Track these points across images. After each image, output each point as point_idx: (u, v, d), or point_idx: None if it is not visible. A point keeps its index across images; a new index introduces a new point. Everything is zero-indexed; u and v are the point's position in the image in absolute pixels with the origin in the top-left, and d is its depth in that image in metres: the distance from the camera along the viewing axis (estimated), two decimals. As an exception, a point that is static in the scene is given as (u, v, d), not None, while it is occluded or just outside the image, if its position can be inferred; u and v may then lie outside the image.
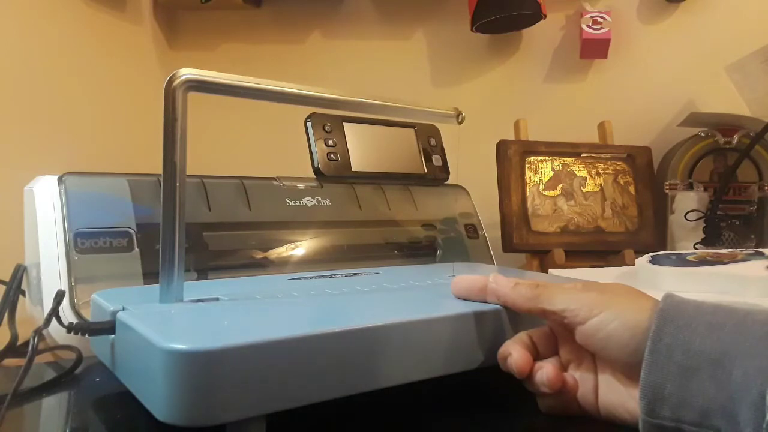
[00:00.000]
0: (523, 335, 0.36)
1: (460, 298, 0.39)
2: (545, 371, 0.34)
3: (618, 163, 0.87)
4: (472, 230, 0.74)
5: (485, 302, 0.38)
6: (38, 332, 0.39)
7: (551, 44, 1.01)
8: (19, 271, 0.54)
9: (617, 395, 0.33)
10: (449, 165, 0.76)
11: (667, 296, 0.31)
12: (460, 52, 1.02)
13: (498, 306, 0.38)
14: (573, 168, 0.86)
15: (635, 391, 0.30)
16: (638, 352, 0.30)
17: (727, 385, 0.27)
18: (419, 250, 0.69)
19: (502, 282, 0.37)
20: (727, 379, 0.27)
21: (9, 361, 0.46)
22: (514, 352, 0.34)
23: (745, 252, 0.58)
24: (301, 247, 0.61)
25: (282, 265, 0.59)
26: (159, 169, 0.36)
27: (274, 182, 0.63)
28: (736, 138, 0.85)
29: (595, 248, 0.83)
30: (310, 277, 0.50)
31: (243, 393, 0.28)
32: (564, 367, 0.36)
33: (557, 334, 0.37)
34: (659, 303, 0.31)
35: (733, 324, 0.29)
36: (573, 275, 0.58)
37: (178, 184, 0.36)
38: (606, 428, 0.34)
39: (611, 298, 0.33)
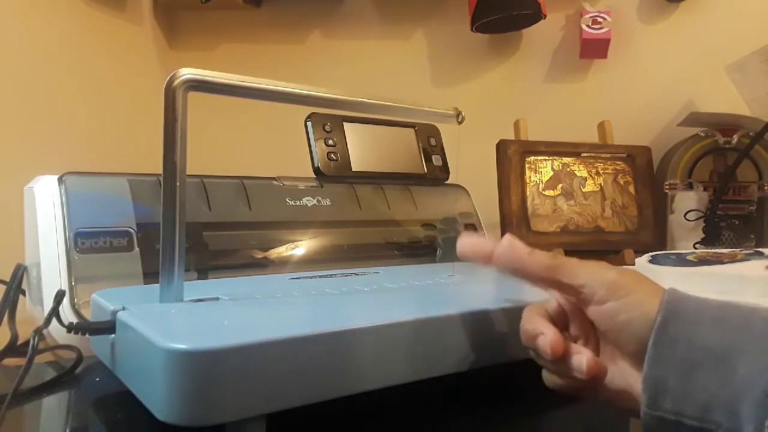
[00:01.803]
0: (542, 310, 0.35)
1: (463, 257, 0.38)
2: (584, 358, 0.32)
3: (618, 162, 0.87)
4: (472, 230, 0.74)
5: (488, 266, 0.36)
6: (38, 332, 0.39)
7: (551, 44, 1.01)
8: (20, 271, 0.54)
9: (617, 379, 0.33)
10: (449, 165, 0.76)
11: (672, 290, 0.31)
12: (460, 52, 1.02)
13: (499, 306, 0.38)
14: (573, 168, 0.86)
15: (636, 376, 0.30)
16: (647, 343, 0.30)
17: (731, 381, 0.27)
18: (419, 249, 0.69)
19: (518, 246, 0.35)
20: (731, 375, 0.27)
21: (9, 361, 0.46)
22: (548, 332, 0.33)
23: (744, 252, 0.58)
24: (301, 246, 0.61)
25: (282, 264, 0.59)
26: (159, 169, 0.36)
27: (274, 182, 0.63)
28: (735, 138, 0.85)
29: (594, 248, 0.83)
30: (311, 277, 0.50)
31: (243, 393, 0.28)
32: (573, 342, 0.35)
33: (567, 309, 0.36)
34: (664, 295, 0.31)
35: (739, 320, 0.28)
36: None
37: (178, 183, 0.36)
38: (605, 429, 0.34)
39: (633, 284, 0.32)
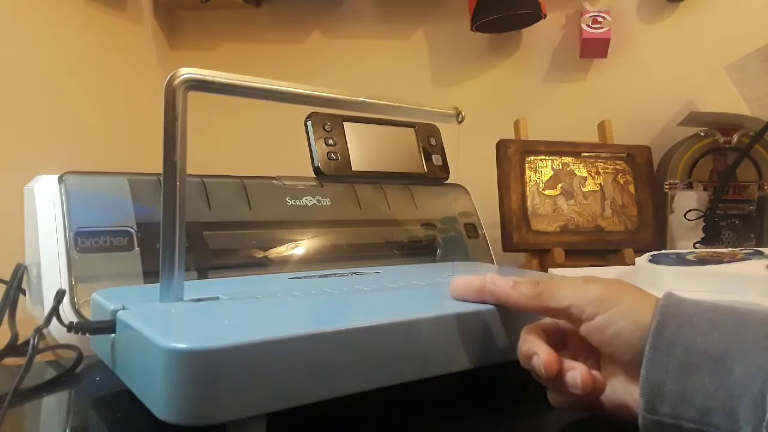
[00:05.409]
0: (538, 330, 0.35)
1: (458, 300, 0.39)
2: (578, 373, 0.32)
3: (618, 162, 0.87)
4: (472, 229, 0.74)
5: (484, 303, 0.38)
6: (39, 331, 0.39)
7: (551, 44, 1.01)
8: (20, 270, 0.54)
9: (619, 391, 0.33)
10: (449, 164, 0.76)
11: (668, 294, 0.31)
12: (460, 51, 1.02)
13: (498, 306, 0.38)
14: (573, 167, 0.86)
15: (636, 387, 0.30)
16: (643, 350, 0.30)
17: (728, 382, 0.27)
18: (419, 249, 0.69)
19: (500, 282, 0.36)
20: (728, 376, 0.27)
21: (9, 360, 0.47)
22: (541, 352, 0.33)
23: (744, 251, 0.58)
24: (301, 246, 0.61)
25: (282, 264, 0.59)
26: (159, 169, 0.36)
27: (275, 181, 0.63)
28: (735, 137, 0.85)
29: (594, 247, 0.83)
30: (310, 277, 0.50)
31: (243, 392, 0.28)
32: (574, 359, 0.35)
33: (563, 326, 0.36)
34: (660, 300, 0.31)
35: (734, 322, 0.29)
36: (573, 274, 0.58)
37: (178, 183, 0.36)
38: (605, 429, 0.34)
39: (618, 295, 0.32)
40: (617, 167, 0.87)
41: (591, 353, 0.35)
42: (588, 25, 0.93)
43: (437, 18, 1.03)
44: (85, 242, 0.50)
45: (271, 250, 0.59)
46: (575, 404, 0.35)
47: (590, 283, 0.33)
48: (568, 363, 0.33)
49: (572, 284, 0.34)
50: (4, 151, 0.69)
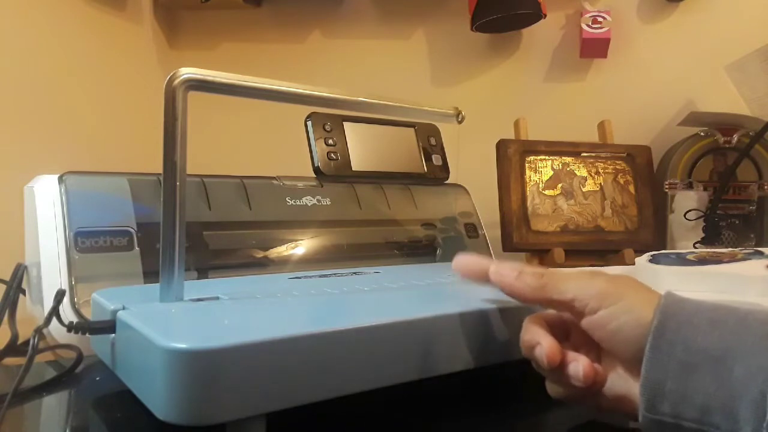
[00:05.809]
0: (540, 321, 0.35)
1: (460, 275, 0.38)
2: (580, 365, 0.32)
3: (618, 162, 0.87)
4: (472, 229, 0.74)
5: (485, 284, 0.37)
6: (39, 331, 0.40)
7: (551, 43, 1.01)
8: (20, 270, 0.54)
9: (619, 385, 0.33)
10: (449, 164, 0.76)
11: (668, 294, 0.31)
12: (460, 51, 1.02)
13: (499, 305, 0.38)
14: (573, 167, 0.86)
15: (636, 383, 0.30)
16: (644, 348, 0.30)
17: (728, 382, 0.27)
18: (419, 249, 0.69)
19: (505, 271, 0.36)
20: (728, 376, 0.27)
21: (9, 360, 0.47)
22: (544, 342, 0.33)
23: (744, 251, 0.58)
24: (301, 246, 0.61)
25: (282, 264, 0.59)
26: (159, 169, 0.36)
27: (275, 181, 0.63)
28: (735, 137, 0.85)
29: (594, 247, 0.83)
30: (310, 277, 0.50)
31: (243, 392, 0.28)
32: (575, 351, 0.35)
33: (566, 318, 0.36)
34: (660, 299, 0.31)
35: (735, 321, 0.29)
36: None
37: (178, 183, 0.36)
38: (605, 429, 0.34)
39: (622, 290, 0.32)
40: (617, 167, 0.87)
41: (592, 346, 0.35)
42: (588, 25, 0.93)
43: (437, 18, 1.03)
44: (85, 242, 0.50)
45: (271, 250, 0.59)
46: (574, 396, 0.34)
47: (595, 277, 0.33)
48: (571, 354, 0.33)
49: (577, 277, 0.33)
50: (4, 151, 0.69)
